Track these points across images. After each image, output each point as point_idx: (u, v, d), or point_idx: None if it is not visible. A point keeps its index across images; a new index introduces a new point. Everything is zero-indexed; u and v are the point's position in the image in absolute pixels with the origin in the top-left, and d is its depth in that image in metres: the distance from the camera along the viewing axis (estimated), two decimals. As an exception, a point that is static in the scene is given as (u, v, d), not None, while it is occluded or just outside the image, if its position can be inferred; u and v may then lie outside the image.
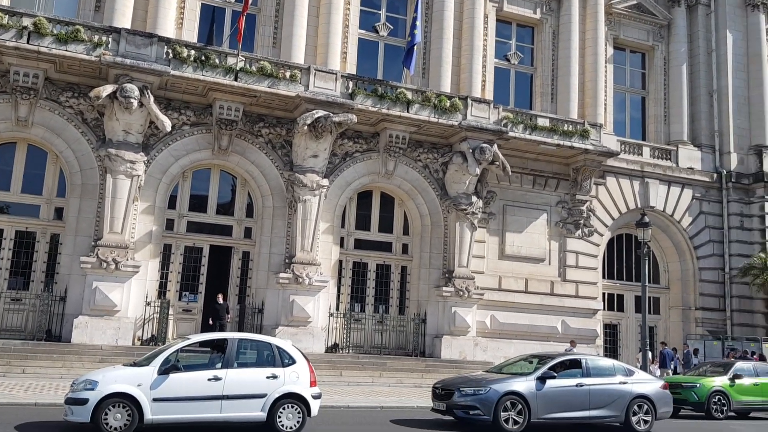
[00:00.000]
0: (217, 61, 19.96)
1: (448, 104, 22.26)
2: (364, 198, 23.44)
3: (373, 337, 22.16)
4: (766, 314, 26.67)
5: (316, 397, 10.96)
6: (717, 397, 17.17)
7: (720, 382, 17.46)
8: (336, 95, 20.95)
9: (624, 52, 28.46)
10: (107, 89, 18.42)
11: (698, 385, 17.29)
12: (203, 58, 19.77)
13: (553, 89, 26.32)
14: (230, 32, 22.14)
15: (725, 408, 17.22)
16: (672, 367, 23.53)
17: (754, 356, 23.04)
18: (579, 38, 26.44)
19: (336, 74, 21.39)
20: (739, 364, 18.58)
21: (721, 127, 28.20)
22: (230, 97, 20.20)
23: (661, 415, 13.69)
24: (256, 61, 20.53)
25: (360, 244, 23.13)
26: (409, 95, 21.97)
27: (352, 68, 23.53)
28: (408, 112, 21.80)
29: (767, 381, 17.98)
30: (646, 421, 13.31)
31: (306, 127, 20.45)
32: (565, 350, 20.20)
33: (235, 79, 19.90)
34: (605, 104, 26.76)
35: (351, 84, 21.56)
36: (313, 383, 10.95)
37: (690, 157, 27.61)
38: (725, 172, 27.62)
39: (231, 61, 20.15)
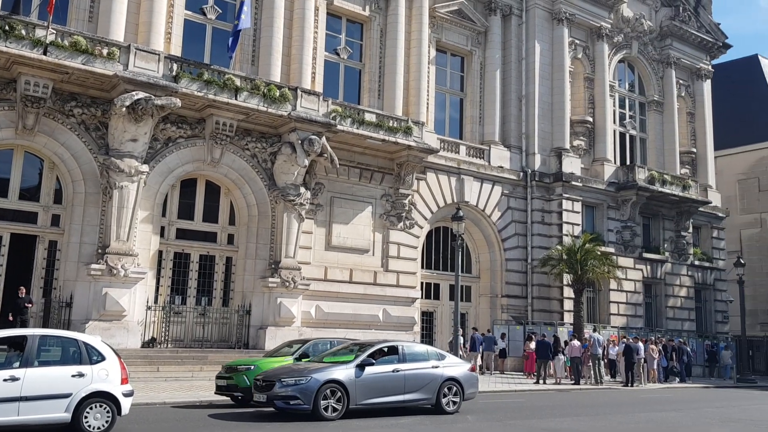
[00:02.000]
0: (23, 32, 18.16)
1: (277, 94, 22.14)
2: (188, 186, 22.64)
3: (195, 330, 21.55)
4: (561, 301, 29.69)
5: (128, 395, 10.48)
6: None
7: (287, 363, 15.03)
8: (158, 77, 19.98)
9: (446, 54, 30.07)
10: None
11: (252, 367, 14.79)
12: (7, 27, 17.89)
13: (380, 86, 27.15)
14: (40, 2, 20.22)
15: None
16: (481, 350, 25.48)
17: (549, 337, 25.52)
18: (405, 38, 27.51)
19: (159, 55, 20.40)
20: (316, 341, 16.54)
21: (527, 130, 30.83)
22: (38, 73, 18.49)
23: (469, 395, 14.81)
24: (70, 35, 18.97)
25: (182, 234, 22.33)
26: (238, 82, 21.55)
27: (177, 50, 22.56)
28: (236, 99, 21.37)
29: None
30: (455, 402, 14.34)
31: (124, 109, 19.31)
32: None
33: (44, 53, 18.25)
34: (428, 103, 28.13)
35: (175, 66, 20.68)
36: (124, 381, 10.46)
37: (500, 157, 29.90)
38: (530, 171, 30.27)
39: (40, 33, 18.43)
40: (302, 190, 22.92)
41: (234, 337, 22.03)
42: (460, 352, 22.06)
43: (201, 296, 22.24)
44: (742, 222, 44.06)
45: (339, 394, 12.73)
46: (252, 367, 14.86)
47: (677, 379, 28.76)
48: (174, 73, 20.47)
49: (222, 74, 21.40)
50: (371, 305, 24.85)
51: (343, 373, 12.99)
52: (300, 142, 22.44)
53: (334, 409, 12.65)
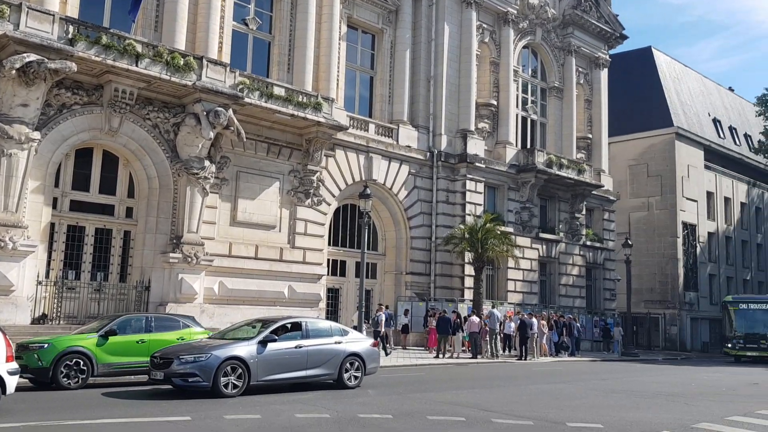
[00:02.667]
0: None
1: (182, 62, 21.39)
2: (83, 156, 21.60)
3: (89, 306, 20.72)
4: (462, 278, 30.66)
5: (13, 373, 10.02)
6: (74, 360, 13.53)
7: (84, 341, 13.96)
8: (53, 39, 18.84)
9: (357, 31, 30.01)
10: None
11: (47, 345, 13.55)
12: None
13: (290, 59, 26.76)
14: None
15: (86, 373, 13.67)
16: (391, 326, 25.94)
17: (453, 313, 26.38)
18: (316, 12, 27.17)
19: (54, 16, 19.20)
20: (126, 318, 15.15)
21: (435, 111, 31.37)
22: None
23: (370, 370, 15.13)
24: (-50, -12, 17.52)
25: (77, 206, 21.33)
26: (139, 48, 20.62)
27: (73, 12, 21.34)
28: (137, 66, 20.47)
29: (158, 337, 14.86)
30: (356, 377, 14.63)
31: (14, 72, 18.14)
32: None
33: None
34: (338, 80, 28.02)
35: (72, 29, 19.54)
36: (9, 358, 9.99)
37: (409, 136, 30.31)
38: (436, 151, 30.88)
39: None
40: (207, 163, 22.36)
41: (132, 314, 21.34)
42: (364, 328, 22.40)
43: (96, 271, 21.39)
44: (632, 205, 46.92)
45: (240, 370, 12.68)
46: (46, 345, 13.52)
47: (567, 353, 30.45)
48: (70, 36, 19.35)
49: (122, 39, 20.41)
50: (277, 282, 24.73)
51: (245, 349, 12.94)
52: (205, 113, 21.84)
53: (235, 386, 12.60)
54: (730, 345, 34.71)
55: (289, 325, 14.20)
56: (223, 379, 12.45)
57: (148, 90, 21.39)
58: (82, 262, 21.15)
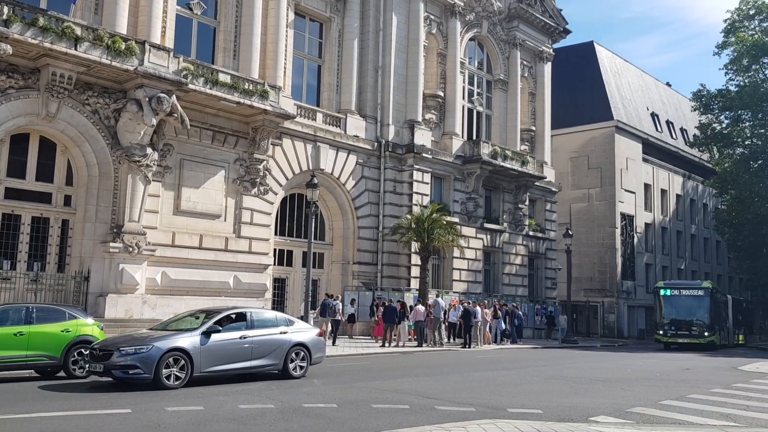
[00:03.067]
0: None
1: (123, 47, 20.82)
2: (19, 142, 20.84)
3: (26, 297, 20.04)
4: (408, 268, 30.96)
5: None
6: None
7: None
8: (-16, 20, 18.06)
9: (304, 19, 29.76)
10: None
11: None
12: None
13: (236, 46, 26.34)
14: None
15: None
16: (337, 317, 25.93)
17: (398, 303, 26.60)
18: (263, -1, 26.83)
19: (-15, -5, 18.40)
20: (3, 308, 13.87)
21: (383, 101, 31.45)
22: None
23: (316, 360, 15.17)
24: None
25: (12, 194, 20.59)
26: (79, 31, 19.97)
27: (7, -9, 20.43)
28: (76, 49, 19.83)
29: (40, 330, 13.48)
30: (302, 367, 14.64)
31: (-58, 53, 17.30)
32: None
33: None
34: (285, 68, 27.76)
35: (6, 9, 18.76)
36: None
37: (356, 126, 30.31)
38: (384, 141, 30.99)
39: None
40: (149, 150, 21.88)
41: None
42: (311, 318, 22.39)
43: (33, 261, 20.72)
44: (573, 196, 48.16)
45: (183, 362, 12.53)
46: None
47: (509, 341, 31.14)
48: (5, 17, 18.59)
49: (60, 21, 19.72)
50: (222, 272, 24.45)
51: (188, 340, 12.79)
52: (147, 99, 21.34)
53: (177, 378, 12.45)
54: (661, 332, 34.46)
55: (233, 316, 14.08)
56: (165, 371, 12.27)
57: (88, 75, 20.76)
58: (18, 252, 20.46)
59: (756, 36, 45.24)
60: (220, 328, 13.41)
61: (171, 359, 12.40)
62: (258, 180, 25.89)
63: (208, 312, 14.28)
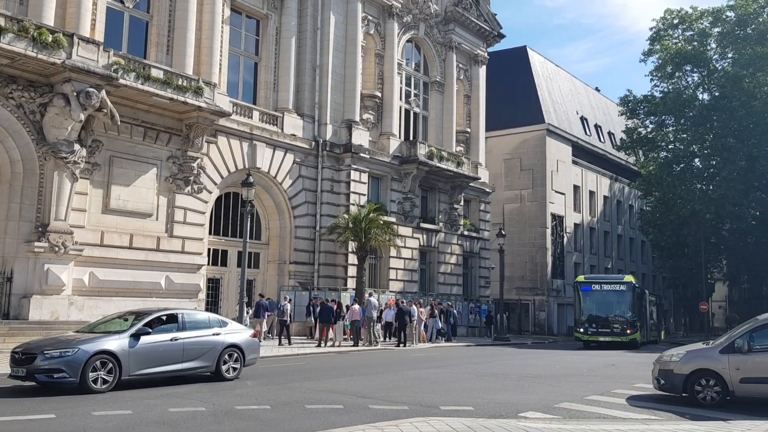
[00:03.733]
0: None
1: (50, 39, 20.05)
2: (-66, 135, 19.77)
3: (-58, 298, 19.09)
4: (345, 267, 31.00)
5: None
6: None
7: None
8: None
9: (241, 15, 29.37)
10: None
11: None
12: None
13: (169, 41, 25.76)
14: None
15: None
16: (266, 316, 25.77)
17: (333, 302, 26.58)
18: (198, -6, 26.32)
19: None
20: None
21: (320, 100, 31.37)
22: None
23: (250, 361, 15.02)
24: None
25: (-74, 190, 19.52)
26: (2, 22, 19.14)
27: None
28: (-1, 41, 19.00)
29: None
30: (234, 369, 14.47)
31: None
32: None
33: None
34: (220, 64, 27.33)
35: None
36: None
37: (294, 125, 30.13)
38: (322, 141, 30.93)
39: None
40: (77, 147, 21.16)
41: (-9, 307, 19.90)
42: (245, 319, 22.15)
43: (-50, 261, 19.72)
44: (506, 197, 49.30)
45: (110, 365, 12.19)
46: None
47: (444, 339, 31.61)
48: None
49: (-20, 11, 18.84)
50: (153, 272, 23.87)
51: (116, 343, 12.46)
52: (75, 94, 20.63)
53: (105, 381, 12.11)
54: (581, 330, 32.46)
55: (164, 317, 13.79)
56: (91, 374, 11.92)
57: (12, 67, 19.92)
58: (-68, 252, 19.43)
59: (679, 44, 47.40)
60: (150, 330, 13.11)
61: (98, 362, 12.05)
62: (192, 178, 25.39)
63: (138, 314, 13.95)
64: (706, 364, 12.36)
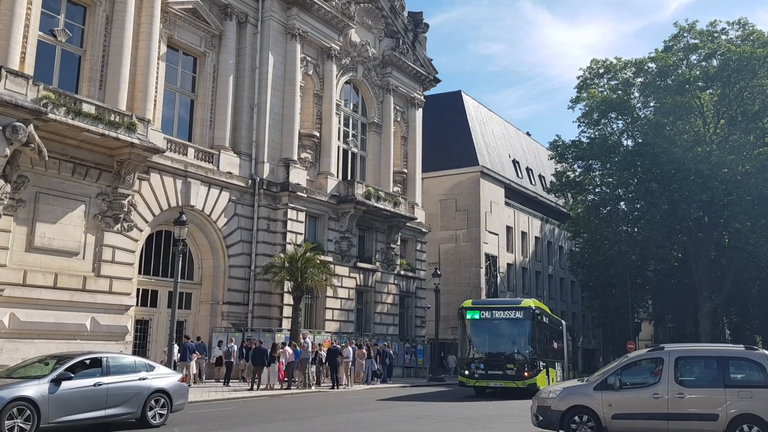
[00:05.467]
0: None
1: (-26, 72, 19.40)
2: None
3: None
4: (281, 307, 30.58)
5: None
6: None
7: None
8: None
9: (178, 52, 29.18)
10: None
11: None
12: None
13: (102, 76, 25.31)
14: None
15: None
16: (194, 359, 25.06)
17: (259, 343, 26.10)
18: (134, 29, 26.04)
19: None
20: None
21: (258, 139, 31.28)
22: None
23: (177, 407, 14.56)
24: None
25: None
26: None
27: None
28: None
29: None
30: (161, 415, 13.99)
31: None
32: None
33: None
34: (155, 101, 26.97)
35: None
36: None
37: (230, 163, 29.87)
38: (258, 179, 30.73)
39: None
40: (1, 182, 20.33)
41: None
42: (174, 362, 21.48)
43: None
44: (441, 237, 49.98)
45: (28, 412, 11.60)
46: None
47: (380, 380, 31.41)
48: None
49: None
50: (78, 313, 22.93)
51: (34, 389, 11.89)
52: (1, 128, 19.94)
53: (22, 430, 11.50)
54: (467, 371, 25.00)
55: (87, 361, 13.27)
56: (7, 423, 11.30)
57: (-69, 98, 19.10)
58: None
59: (605, 93, 49.70)
60: (72, 375, 12.59)
61: (15, 409, 11.46)
62: (122, 216, 24.72)
63: (60, 357, 13.38)
64: (581, 400, 12.75)
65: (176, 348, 23.10)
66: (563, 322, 35.64)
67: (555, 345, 30.67)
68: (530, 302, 26.40)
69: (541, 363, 25.76)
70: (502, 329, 25.40)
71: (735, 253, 46.83)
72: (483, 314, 25.81)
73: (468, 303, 27.03)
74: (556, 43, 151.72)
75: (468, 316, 25.85)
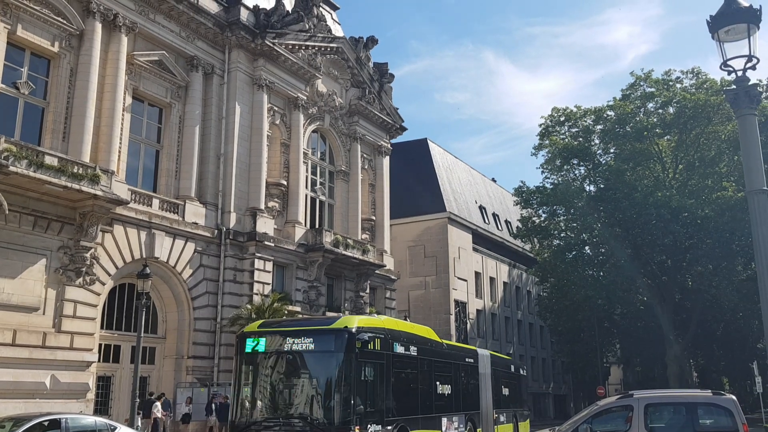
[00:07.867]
0: None
1: (-68, 124, 19.00)
2: None
3: None
4: (248, 359, 29.83)
5: None
6: None
7: None
8: None
9: (143, 103, 29.05)
10: None
11: None
12: None
13: (66, 128, 25.01)
14: None
15: None
16: (160, 415, 24.25)
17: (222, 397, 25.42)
18: (98, 81, 25.92)
19: None
20: None
21: (224, 188, 31.04)
22: None
23: (142, 469, 13.99)
24: None
25: None
26: None
27: None
28: None
29: None
30: (124, 478, 13.42)
31: None
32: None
33: None
34: (120, 152, 26.68)
35: None
36: None
37: (196, 213, 29.53)
38: (225, 229, 30.38)
39: None
40: (-43, 237, 19.74)
41: None
42: (137, 420, 20.74)
43: None
44: (411, 284, 49.86)
45: (-18, 482, 10.99)
46: None
47: None
48: None
49: None
50: (37, 371, 22.05)
51: (-10, 456, 11.30)
52: (-41, 182, 19.45)
53: (-25, 502, 10.86)
54: None
55: (46, 423, 12.74)
56: (-41, 495, 10.69)
57: None
58: None
59: (566, 140, 50.89)
60: (29, 440, 12.02)
61: (-33, 480, 10.85)
62: (84, 269, 24.11)
63: (18, 420, 12.85)
64: (554, 450, 12.70)
65: (159, 405, 22.15)
66: (492, 355, 27.20)
67: (443, 388, 20.78)
68: (350, 320, 16.33)
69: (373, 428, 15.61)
70: (297, 369, 15.97)
71: (698, 296, 47.63)
72: (269, 344, 16.04)
73: (253, 326, 17.55)
74: (519, 92, 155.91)
75: (248, 348, 16.17)
